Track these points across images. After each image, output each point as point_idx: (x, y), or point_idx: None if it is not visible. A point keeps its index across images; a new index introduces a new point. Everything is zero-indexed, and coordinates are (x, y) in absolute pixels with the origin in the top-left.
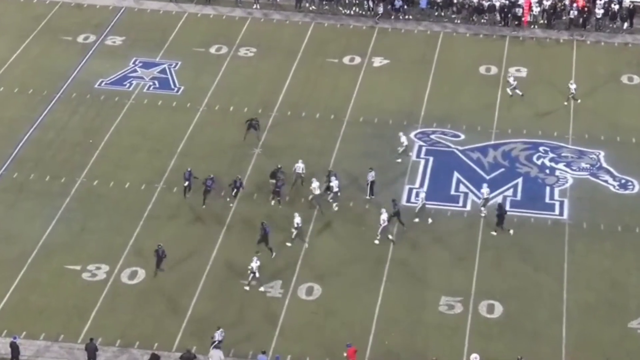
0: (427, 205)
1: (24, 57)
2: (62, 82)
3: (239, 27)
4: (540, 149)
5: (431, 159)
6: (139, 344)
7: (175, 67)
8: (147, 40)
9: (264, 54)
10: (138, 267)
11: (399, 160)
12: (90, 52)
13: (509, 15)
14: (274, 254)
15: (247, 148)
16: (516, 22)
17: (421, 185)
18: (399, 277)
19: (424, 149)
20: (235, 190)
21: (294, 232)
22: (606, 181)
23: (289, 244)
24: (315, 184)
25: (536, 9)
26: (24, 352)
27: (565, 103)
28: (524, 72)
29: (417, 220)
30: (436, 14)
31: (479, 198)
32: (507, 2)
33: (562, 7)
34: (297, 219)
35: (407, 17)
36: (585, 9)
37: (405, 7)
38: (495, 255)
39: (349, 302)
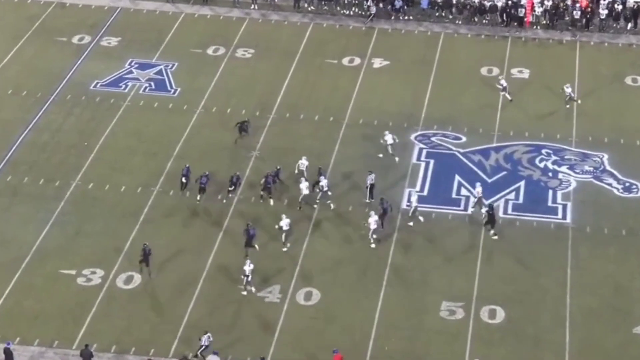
0: (423, 208)
1: (18, 58)
2: (57, 84)
3: (237, 28)
4: (543, 151)
5: (432, 161)
6: (135, 349)
7: (171, 68)
8: (143, 41)
9: (262, 55)
10: (134, 271)
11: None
12: (86, 53)
13: (510, 15)
14: (257, 248)
15: (245, 151)
16: (515, 23)
17: (421, 188)
18: (399, 282)
19: (424, 151)
20: (232, 186)
21: (283, 235)
22: (610, 184)
23: (284, 249)
24: (303, 184)
25: (538, 9)
26: (18, 358)
27: (567, 106)
28: (526, 74)
29: (411, 224)
30: (437, 14)
31: (474, 197)
32: (509, 1)
33: (565, 7)
34: (284, 222)
35: (407, 17)
36: (589, 9)
37: (406, 7)
38: (497, 259)
39: (348, 307)
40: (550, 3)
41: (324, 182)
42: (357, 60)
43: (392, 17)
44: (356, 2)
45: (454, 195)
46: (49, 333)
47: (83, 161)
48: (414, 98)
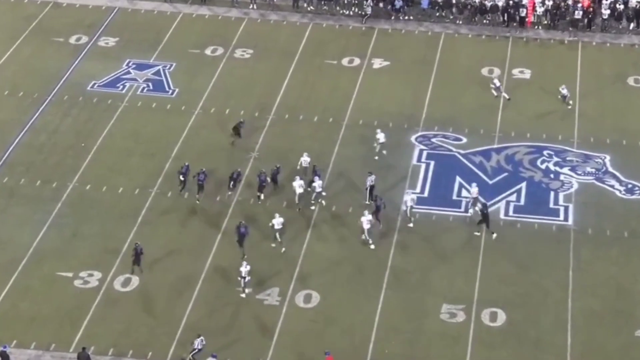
0: (424, 210)
1: (15, 59)
2: (54, 84)
3: (235, 28)
4: (545, 152)
5: (432, 163)
6: (133, 352)
7: (169, 68)
8: (141, 41)
9: (261, 55)
10: (131, 274)
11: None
12: (83, 53)
13: (510, 16)
14: (245, 255)
15: (244, 152)
16: (514, 24)
17: (422, 190)
18: (400, 284)
19: (425, 152)
20: (232, 182)
21: (276, 234)
22: (612, 186)
23: (273, 245)
24: (297, 182)
25: (540, 9)
26: None
27: (569, 107)
28: (527, 74)
29: (411, 224)
30: (437, 14)
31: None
32: (510, 1)
33: (566, 7)
34: (276, 220)
35: (407, 17)
36: (590, 9)
37: (406, 7)
38: (498, 261)
39: (348, 309)
40: (551, 3)
41: (317, 182)
42: (357, 61)
43: (392, 17)
44: (356, 2)
45: (454, 197)
46: (46, 336)
47: (80, 162)
48: (414, 99)
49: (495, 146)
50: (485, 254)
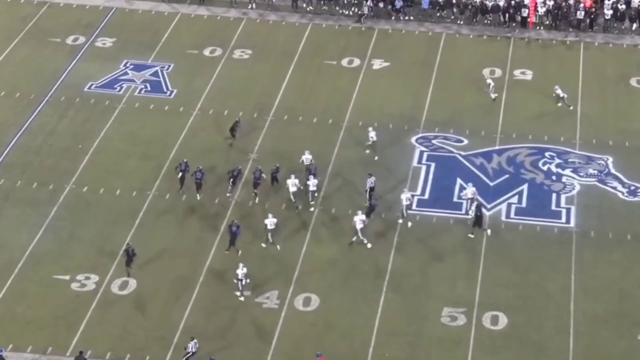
0: (422, 212)
1: (11, 60)
2: (51, 85)
3: (234, 28)
4: (546, 154)
5: (433, 164)
6: (130, 356)
7: (167, 69)
8: (139, 41)
9: (260, 56)
10: (128, 277)
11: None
12: (80, 54)
13: (510, 16)
14: (239, 252)
15: (242, 153)
16: (513, 24)
17: (422, 192)
18: (400, 288)
19: (425, 154)
20: (232, 179)
21: (268, 234)
22: (615, 188)
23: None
24: (290, 181)
25: (541, 9)
26: None
27: (571, 107)
28: (529, 75)
29: (410, 224)
30: (438, 14)
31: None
32: (511, 2)
33: (568, 8)
34: (269, 220)
35: (408, 17)
36: (593, 9)
37: (406, 7)
38: (499, 264)
39: (347, 313)
40: (552, 3)
41: (312, 181)
42: (357, 61)
43: (393, 17)
44: (355, 2)
45: (455, 199)
46: (43, 339)
47: (77, 164)
48: (414, 100)
49: (496, 147)
50: (487, 256)
